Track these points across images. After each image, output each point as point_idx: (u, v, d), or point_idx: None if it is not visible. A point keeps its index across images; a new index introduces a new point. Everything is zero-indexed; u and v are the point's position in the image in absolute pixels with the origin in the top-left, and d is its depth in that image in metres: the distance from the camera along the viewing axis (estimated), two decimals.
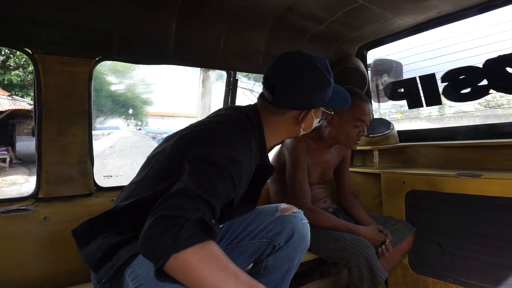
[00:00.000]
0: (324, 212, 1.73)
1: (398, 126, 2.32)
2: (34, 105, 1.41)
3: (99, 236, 1.01)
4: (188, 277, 0.75)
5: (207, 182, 0.87)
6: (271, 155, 1.96)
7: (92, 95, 1.51)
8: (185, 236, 0.74)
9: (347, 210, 1.94)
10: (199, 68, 4.91)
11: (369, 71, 2.34)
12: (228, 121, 1.07)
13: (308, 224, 1.29)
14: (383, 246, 1.63)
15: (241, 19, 1.68)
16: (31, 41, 1.33)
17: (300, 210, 1.30)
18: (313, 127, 1.21)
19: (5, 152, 13.07)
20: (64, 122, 1.43)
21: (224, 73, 2.03)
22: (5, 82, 13.06)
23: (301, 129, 1.18)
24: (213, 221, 0.82)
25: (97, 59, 1.48)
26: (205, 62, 1.86)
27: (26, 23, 1.29)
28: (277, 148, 1.94)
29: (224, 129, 1.03)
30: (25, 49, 1.34)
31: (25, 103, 12.64)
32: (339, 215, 1.86)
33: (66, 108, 1.43)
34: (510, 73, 1.71)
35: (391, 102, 2.42)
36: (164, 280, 0.77)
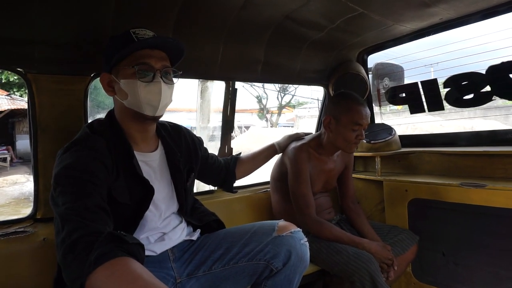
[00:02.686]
0: (329, 224, 1.71)
1: (399, 120, 2.28)
2: (29, 125, 1.38)
3: None
4: None
5: (68, 195, 0.93)
6: (272, 162, 1.94)
7: (88, 112, 1.48)
8: (95, 256, 0.77)
9: (351, 221, 1.92)
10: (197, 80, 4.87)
11: (370, 75, 2.31)
12: (66, 146, 1.09)
13: (307, 244, 1.26)
14: (391, 273, 1.60)
15: (240, 29, 1.64)
16: (24, 61, 1.29)
17: (299, 229, 1.28)
18: (129, 96, 1.14)
19: (6, 152, 13.06)
20: (60, 141, 1.38)
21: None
22: (3, 81, 13.01)
23: (118, 98, 1.17)
24: (121, 232, 0.86)
25: (92, 75, 1.45)
26: (204, 73, 1.82)
27: (18, 43, 1.25)
28: (278, 157, 1.92)
29: (60, 155, 1.07)
30: (18, 69, 1.31)
31: (23, 102, 12.60)
32: (343, 226, 1.85)
33: (62, 127, 1.40)
34: None
35: None
36: None
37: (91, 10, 1.29)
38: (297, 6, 1.53)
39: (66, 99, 1.40)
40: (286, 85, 21.13)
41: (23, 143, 13.98)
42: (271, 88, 22.66)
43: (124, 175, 1.12)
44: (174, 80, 1.23)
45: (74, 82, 1.41)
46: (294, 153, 1.76)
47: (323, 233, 1.67)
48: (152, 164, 1.25)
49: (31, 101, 1.35)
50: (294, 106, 26.03)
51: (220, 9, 1.49)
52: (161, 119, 1.28)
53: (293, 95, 24.04)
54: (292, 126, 22.79)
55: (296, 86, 20.90)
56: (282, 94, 23.51)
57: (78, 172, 0.99)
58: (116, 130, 1.18)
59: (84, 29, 1.33)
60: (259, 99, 23.81)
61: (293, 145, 1.80)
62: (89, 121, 1.46)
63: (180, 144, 1.38)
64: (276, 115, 24.82)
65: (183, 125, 1.51)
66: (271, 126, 23.41)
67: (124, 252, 0.81)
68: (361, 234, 1.80)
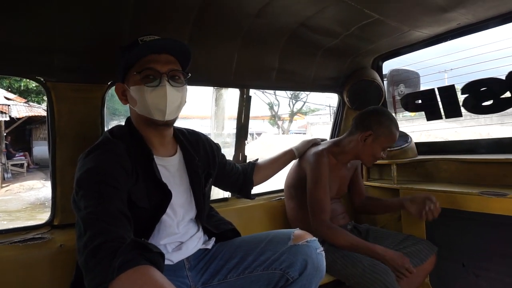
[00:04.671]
0: (343, 231, 1.68)
1: (413, 128, 2.26)
2: (48, 132, 1.41)
3: None
4: None
5: (90, 199, 0.94)
6: (287, 169, 1.93)
7: (105, 120, 1.50)
8: (118, 263, 0.77)
9: (372, 208, 2.00)
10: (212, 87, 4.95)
11: (385, 82, 2.29)
12: (88, 150, 1.10)
13: (323, 253, 1.24)
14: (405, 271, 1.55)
15: (254, 37, 1.65)
16: (43, 69, 1.32)
17: (314, 238, 1.25)
18: (138, 102, 1.16)
19: (23, 158, 13.35)
20: (77, 149, 1.40)
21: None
22: (22, 89, 13.32)
23: (131, 106, 1.20)
24: (144, 239, 0.86)
25: (109, 83, 1.47)
26: (218, 81, 1.83)
27: (37, 52, 1.28)
28: (294, 162, 1.91)
29: (82, 159, 1.08)
30: (38, 77, 1.34)
31: (41, 109, 12.90)
32: (356, 234, 1.81)
33: (80, 134, 1.42)
34: None
35: None
36: None
37: (108, 19, 1.31)
38: (312, 14, 1.53)
39: (84, 107, 1.43)
40: (298, 92, 21.10)
41: (40, 149, 14.25)
42: (283, 95, 22.65)
43: (144, 179, 1.13)
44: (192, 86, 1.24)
45: (92, 90, 1.43)
46: (315, 158, 1.74)
47: (337, 241, 1.64)
48: (170, 168, 1.25)
49: (50, 109, 1.38)
50: (305, 113, 25.97)
51: (235, 17, 1.50)
52: (177, 126, 1.28)
53: (304, 102, 24.01)
54: (304, 133, 22.70)
55: (307, 93, 20.84)
56: (294, 101, 23.50)
57: (99, 176, 1.00)
58: (135, 135, 1.20)
59: (101, 38, 1.35)
60: (271, 106, 23.82)
61: (314, 150, 1.79)
62: (106, 128, 1.49)
63: (198, 150, 1.38)
64: (287, 122, 24.78)
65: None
66: (283, 133, 23.37)
67: (147, 261, 0.81)
68: (387, 206, 1.93)
